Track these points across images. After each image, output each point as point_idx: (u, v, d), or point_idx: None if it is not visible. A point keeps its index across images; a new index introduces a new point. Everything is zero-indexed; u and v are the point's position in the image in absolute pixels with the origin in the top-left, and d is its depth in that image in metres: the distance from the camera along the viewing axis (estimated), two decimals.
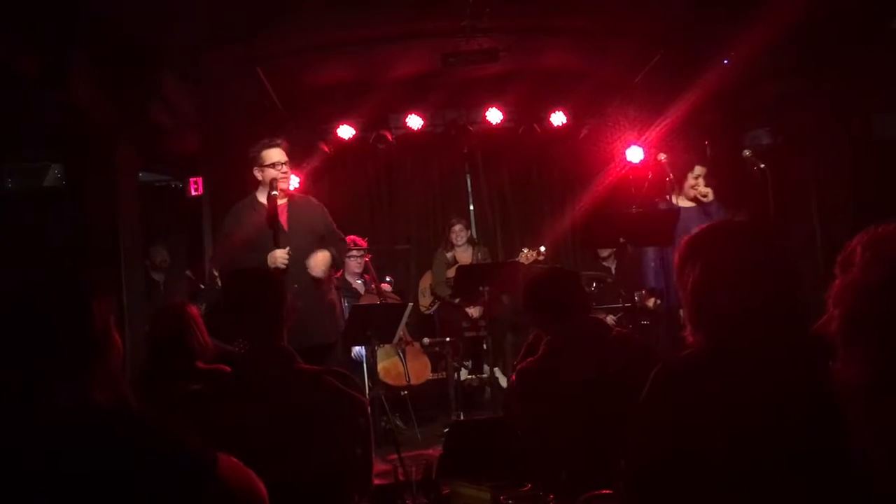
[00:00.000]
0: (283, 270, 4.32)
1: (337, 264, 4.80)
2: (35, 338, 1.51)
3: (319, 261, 4.47)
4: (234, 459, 1.64)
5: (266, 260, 4.32)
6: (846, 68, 5.63)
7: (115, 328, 1.65)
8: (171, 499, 1.48)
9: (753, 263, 1.71)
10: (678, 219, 5.30)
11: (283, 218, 4.57)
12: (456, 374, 6.54)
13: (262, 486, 1.69)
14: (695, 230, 1.85)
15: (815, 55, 5.60)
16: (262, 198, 4.57)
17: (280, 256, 4.34)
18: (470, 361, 7.13)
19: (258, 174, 4.60)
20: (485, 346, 6.72)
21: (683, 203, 5.42)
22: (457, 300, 6.93)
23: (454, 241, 7.19)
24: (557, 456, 2.64)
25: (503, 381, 6.86)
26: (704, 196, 5.37)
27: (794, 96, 6.08)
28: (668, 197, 5.39)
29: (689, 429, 1.63)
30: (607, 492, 1.75)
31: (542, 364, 2.95)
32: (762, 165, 5.21)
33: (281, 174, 4.55)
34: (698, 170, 5.42)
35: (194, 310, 3.23)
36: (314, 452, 2.21)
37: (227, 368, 2.67)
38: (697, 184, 5.38)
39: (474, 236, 7.42)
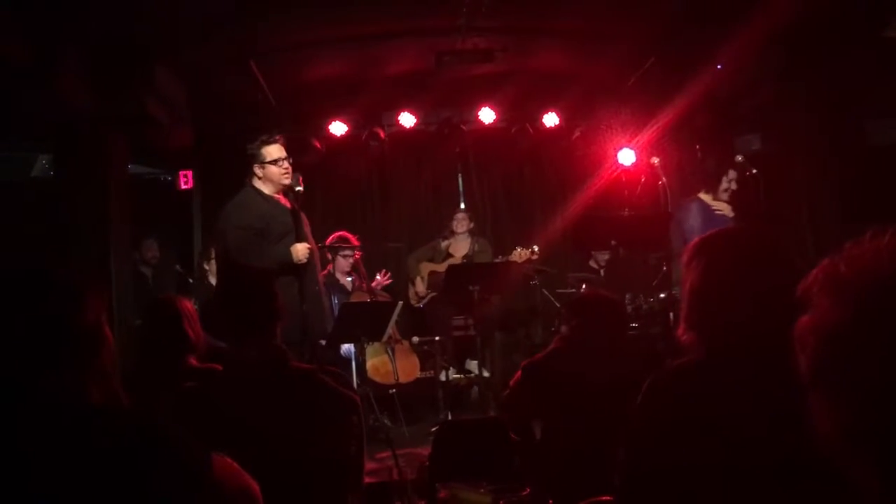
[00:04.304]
0: (304, 267, 4.37)
1: None
2: (28, 332, 1.48)
3: (300, 249, 4.44)
4: (228, 460, 1.62)
5: (288, 254, 4.36)
6: (839, 75, 5.66)
7: (106, 323, 1.62)
8: (165, 500, 1.45)
9: (753, 269, 1.71)
10: (670, 222, 5.33)
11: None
12: (444, 373, 6.53)
13: (255, 486, 1.67)
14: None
15: (808, 61, 5.62)
16: (267, 190, 4.58)
17: (302, 250, 4.39)
18: (458, 361, 7.11)
19: (258, 171, 4.57)
20: (475, 345, 6.69)
21: (719, 207, 5.48)
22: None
23: (455, 229, 7.15)
24: (554, 457, 2.63)
25: (491, 381, 6.85)
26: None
27: (786, 102, 6.11)
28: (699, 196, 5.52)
29: (679, 440, 1.62)
30: (607, 498, 1.74)
31: (549, 359, 2.96)
32: (754, 171, 5.25)
33: (283, 170, 4.55)
34: (732, 174, 5.50)
35: (189, 304, 3.18)
36: (308, 451, 2.19)
37: (220, 367, 2.64)
38: (734, 186, 5.47)
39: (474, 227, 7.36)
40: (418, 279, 7.16)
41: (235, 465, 1.64)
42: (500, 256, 6.77)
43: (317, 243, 5.37)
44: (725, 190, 5.47)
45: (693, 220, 5.51)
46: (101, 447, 1.43)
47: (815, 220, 6.05)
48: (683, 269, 1.80)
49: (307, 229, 4.65)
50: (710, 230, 1.87)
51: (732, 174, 5.49)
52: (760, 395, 1.60)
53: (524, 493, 1.75)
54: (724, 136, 6.72)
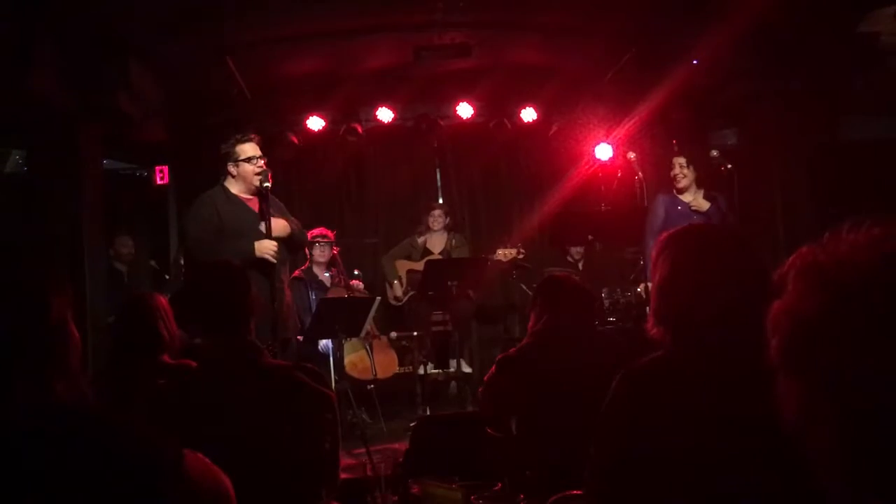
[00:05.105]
0: (272, 265, 4.31)
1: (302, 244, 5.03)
2: None
3: (266, 244, 4.38)
4: (201, 457, 1.61)
5: (251, 249, 4.29)
6: (814, 70, 5.71)
7: (72, 321, 1.60)
8: (136, 499, 1.44)
9: (718, 264, 1.73)
10: (645, 217, 5.37)
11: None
12: (422, 369, 6.53)
13: (229, 483, 1.66)
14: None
15: (784, 57, 5.67)
16: (236, 189, 4.56)
17: (269, 247, 4.32)
18: (437, 356, 7.10)
19: (232, 169, 4.55)
20: (454, 341, 6.70)
21: (698, 203, 5.54)
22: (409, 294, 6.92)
23: (430, 225, 7.13)
24: (528, 452, 2.65)
25: (471, 376, 6.87)
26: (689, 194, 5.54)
27: (761, 97, 6.16)
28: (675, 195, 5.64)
29: (648, 434, 1.64)
30: (578, 493, 1.76)
31: (522, 353, 2.97)
32: (729, 166, 5.30)
33: (258, 168, 4.52)
34: (677, 160, 5.57)
35: (163, 300, 3.17)
36: (282, 448, 2.18)
37: (194, 363, 2.63)
38: (686, 173, 5.54)
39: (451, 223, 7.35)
40: (395, 282, 7.11)
41: (208, 461, 1.63)
42: (484, 256, 6.75)
43: None
44: (675, 177, 5.57)
45: (655, 214, 5.58)
46: (69, 447, 1.42)
47: (788, 214, 6.11)
48: (651, 265, 1.82)
49: (283, 231, 4.58)
50: (674, 223, 1.90)
51: (677, 160, 5.58)
52: (728, 387, 1.62)
53: (496, 488, 1.76)
54: (700, 130, 6.77)
